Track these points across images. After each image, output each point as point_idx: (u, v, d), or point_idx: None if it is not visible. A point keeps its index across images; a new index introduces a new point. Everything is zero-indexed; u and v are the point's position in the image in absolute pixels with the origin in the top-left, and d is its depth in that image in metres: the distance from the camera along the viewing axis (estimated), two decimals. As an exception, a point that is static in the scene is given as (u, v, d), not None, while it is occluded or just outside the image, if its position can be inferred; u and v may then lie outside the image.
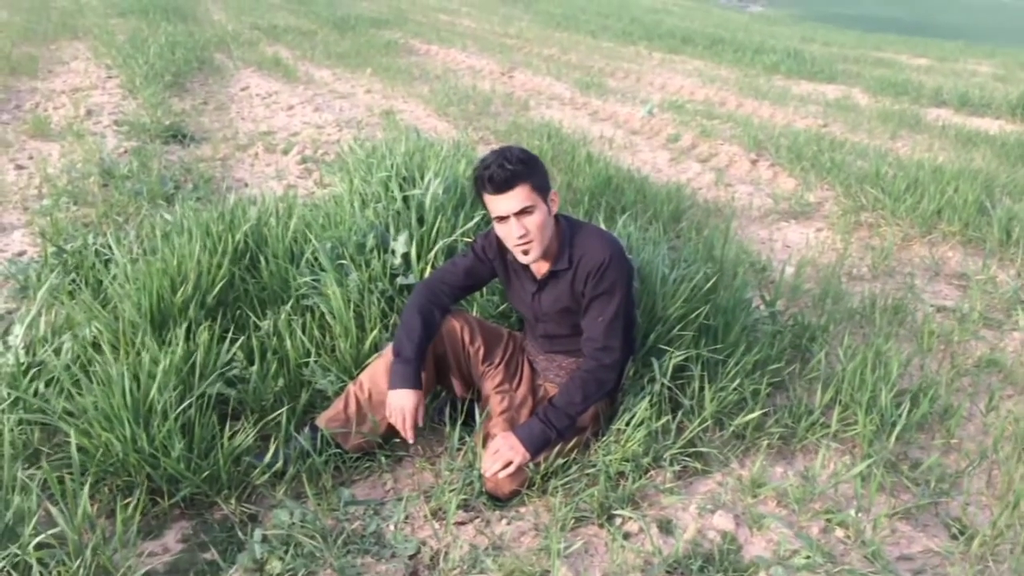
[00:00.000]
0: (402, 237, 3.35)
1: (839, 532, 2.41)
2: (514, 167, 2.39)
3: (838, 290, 4.03)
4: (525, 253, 2.51)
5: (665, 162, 6.86)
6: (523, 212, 2.43)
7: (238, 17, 15.14)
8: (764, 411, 2.82)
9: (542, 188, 2.46)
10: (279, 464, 2.52)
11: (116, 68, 9.18)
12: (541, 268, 2.63)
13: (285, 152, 6.39)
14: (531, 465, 2.51)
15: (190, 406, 2.54)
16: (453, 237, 3.42)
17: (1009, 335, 3.79)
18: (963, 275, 4.47)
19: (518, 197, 2.41)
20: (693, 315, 2.93)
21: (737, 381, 2.81)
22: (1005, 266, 4.53)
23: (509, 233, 2.47)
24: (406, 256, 3.33)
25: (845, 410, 2.88)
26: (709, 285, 3.09)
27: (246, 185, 5.54)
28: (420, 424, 2.57)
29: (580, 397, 2.54)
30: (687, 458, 2.65)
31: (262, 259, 3.37)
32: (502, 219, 2.46)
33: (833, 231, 5.18)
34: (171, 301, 3.00)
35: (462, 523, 2.44)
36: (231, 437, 2.51)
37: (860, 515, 2.44)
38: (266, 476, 2.49)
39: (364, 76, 10.09)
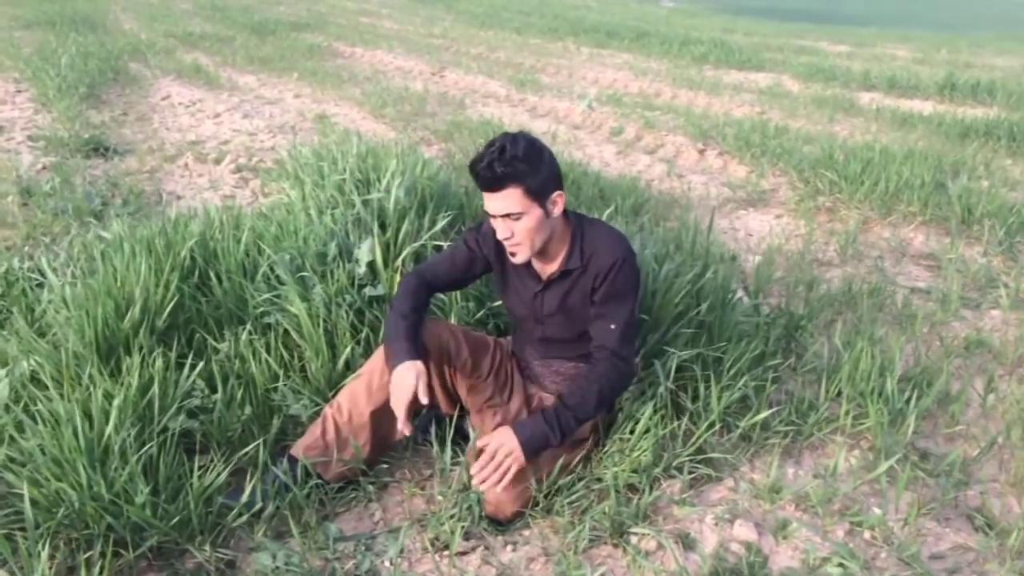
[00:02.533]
0: (366, 245, 3.11)
1: (866, 534, 2.27)
2: (505, 168, 2.13)
3: (811, 277, 3.93)
4: (513, 255, 2.32)
5: (612, 155, 6.73)
6: (509, 216, 2.22)
7: (150, 25, 14.55)
8: (774, 410, 2.66)
9: (539, 191, 2.21)
10: (258, 505, 2.27)
11: (25, 81, 8.65)
12: (547, 268, 2.43)
13: (217, 161, 6.05)
14: (534, 483, 2.31)
15: (151, 444, 2.27)
16: (420, 242, 3.20)
17: (988, 314, 3.73)
18: (930, 255, 4.42)
19: (506, 200, 2.19)
20: (691, 312, 2.77)
21: (742, 379, 2.65)
22: (971, 244, 4.50)
23: (497, 231, 2.28)
24: (371, 265, 3.10)
25: (850, 402, 2.75)
26: (705, 280, 2.93)
27: (179, 198, 5.20)
28: (424, 400, 2.22)
29: (595, 400, 2.29)
30: (698, 465, 2.48)
31: (213, 275, 3.09)
32: (492, 215, 2.26)
33: (792, 217, 5.11)
34: (118, 327, 2.72)
35: (463, 553, 2.23)
36: (200, 475, 2.25)
37: (887, 515, 2.31)
38: (243, 517, 2.24)
39: (291, 81, 9.75)
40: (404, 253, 3.14)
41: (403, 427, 2.23)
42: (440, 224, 3.31)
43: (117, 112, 7.72)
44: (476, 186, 2.29)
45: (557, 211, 2.29)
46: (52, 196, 4.83)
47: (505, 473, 2.19)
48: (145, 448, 2.24)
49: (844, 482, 2.47)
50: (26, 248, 4.05)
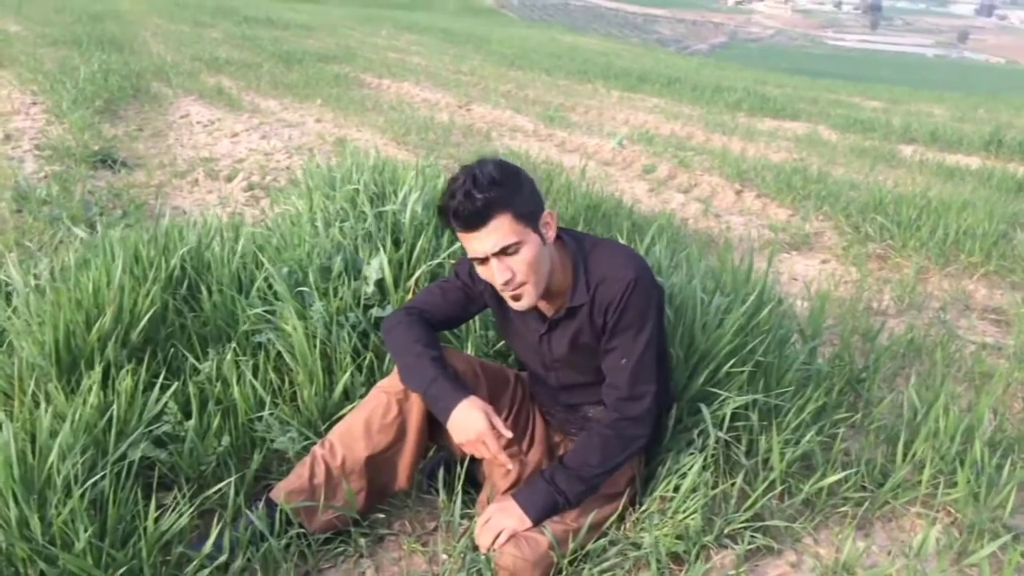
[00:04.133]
0: (375, 261, 2.75)
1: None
2: (486, 194, 1.76)
3: (867, 325, 3.53)
4: (516, 299, 1.91)
5: (644, 192, 6.38)
6: (505, 251, 1.83)
7: (178, 49, 14.44)
8: (849, 472, 2.25)
9: (529, 214, 1.84)
10: (223, 557, 1.88)
11: (43, 94, 8.41)
12: (552, 306, 2.04)
13: (229, 179, 5.75)
14: (556, 547, 1.92)
15: (103, 475, 1.90)
16: (437, 260, 2.84)
17: (1067, 374, 3.31)
18: (996, 308, 4.02)
19: (497, 233, 1.80)
20: (744, 351, 2.38)
21: (808, 433, 2.25)
22: (1040, 299, 4.10)
23: (491, 278, 1.88)
24: (380, 283, 2.74)
25: (932, 467, 2.33)
26: (761, 317, 2.54)
27: (184, 212, 4.89)
28: (509, 434, 1.91)
29: (598, 459, 1.95)
30: (756, 534, 2.07)
31: (203, 288, 2.74)
32: (481, 261, 1.87)
33: (840, 263, 4.73)
34: (84, 338, 2.36)
35: (470, 627, 1.83)
36: (158, 517, 1.86)
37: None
38: (206, 571, 1.85)
39: (314, 106, 9.50)
40: (418, 272, 2.78)
41: (509, 464, 2.00)
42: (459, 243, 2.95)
43: (132, 127, 7.46)
44: (452, 230, 1.90)
45: (552, 234, 1.93)
46: (48, 203, 4.53)
47: (500, 534, 1.92)
48: (93, 479, 1.86)
49: (929, 563, 2.06)
50: (9, 254, 3.72)
